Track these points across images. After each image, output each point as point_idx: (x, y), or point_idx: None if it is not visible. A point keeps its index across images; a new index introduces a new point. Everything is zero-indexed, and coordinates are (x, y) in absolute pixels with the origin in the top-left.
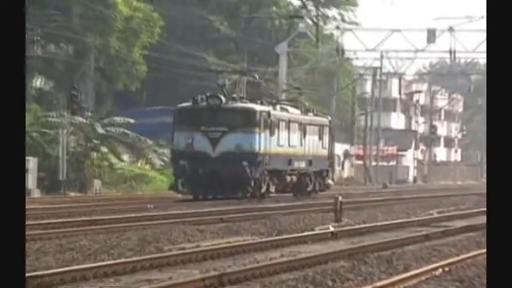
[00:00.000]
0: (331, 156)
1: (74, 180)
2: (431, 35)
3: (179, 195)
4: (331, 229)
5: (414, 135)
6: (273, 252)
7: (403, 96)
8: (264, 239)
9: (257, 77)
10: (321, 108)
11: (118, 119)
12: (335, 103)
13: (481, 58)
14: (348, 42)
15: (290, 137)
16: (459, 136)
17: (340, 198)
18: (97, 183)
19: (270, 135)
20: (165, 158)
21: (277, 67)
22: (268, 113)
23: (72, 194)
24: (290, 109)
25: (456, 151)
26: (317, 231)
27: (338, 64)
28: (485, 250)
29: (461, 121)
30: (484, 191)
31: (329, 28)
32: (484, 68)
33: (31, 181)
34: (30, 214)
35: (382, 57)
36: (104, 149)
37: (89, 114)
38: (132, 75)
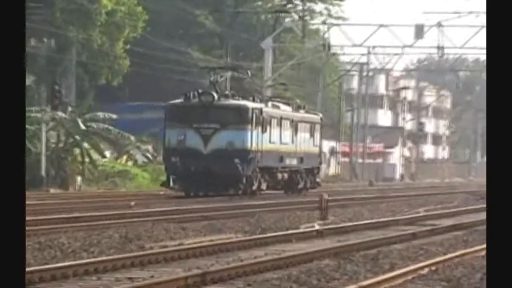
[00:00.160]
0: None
1: (55, 177)
2: (419, 31)
3: (161, 192)
4: (317, 227)
5: (401, 132)
6: (257, 250)
7: (390, 93)
8: (248, 237)
9: (249, 74)
10: (307, 104)
11: (100, 114)
12: (322, 99)
13: (470, 54)
14: (335, 37)
15: (281, 134)
16: (447, 133)
17: (325, 196)
18: (78, 179)
19: (262, 132)
20: (148, 155)
21: (262, 63)
22: (260, 110)
23: (53, 190)
24: (282, 106)
25: (444, 149)
26: (302, 229)
27: (325, 59)
28: (472, 249)
29: (449, 118)
30: (472, 189)
31: (315, 23)
32: (472, 65)
33: None
34: None
35: (369, 52)
36: (86, 145)
37: (71, 109)
38: (114, 70)
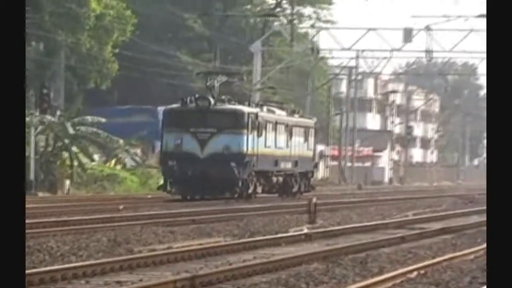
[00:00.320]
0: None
1: (44, 181)
2: (408, 34)
3: (149, 196)
4: (305, 230)
5: (390, 136)
6: (246, 254)
7: (379, 96)
8: (237, 241)
9: (245, 79)
10: (296, 108)
11: (89, 118)
12: (310, 103)
13: (458, 58)
14: (324, 41)
15: (276, 139)
16: (436, 137)
17: (314, 199)
18: (67, 183)
19: (258, 137)
20: (137, 158)
21: (251, 66)
22: (256, 115)
23: (41, 194)
24: (277, 110)
25: (432, 152)
26: (291, 233)
27: (313, 63)
28: (461, 253)
29: (437, 122)
30: (460, 192)
31: (304, 26)
32: (461, 68)
33: None
34: None
35: (357, 56)
36: (74, 149)
37: (60, 113)
38: (103, 74)
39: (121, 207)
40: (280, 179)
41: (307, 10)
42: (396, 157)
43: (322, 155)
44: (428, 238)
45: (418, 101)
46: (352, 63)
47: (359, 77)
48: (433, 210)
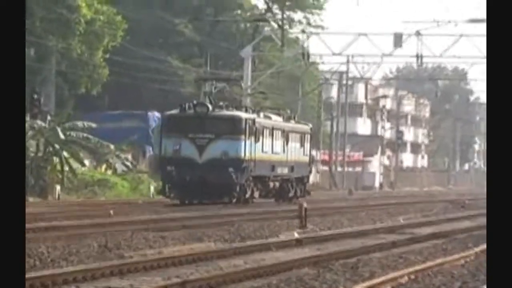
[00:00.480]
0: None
1: (34, 186)
2: (398, 39)
3: (140, 201)
4: (296, 236)
5: (381, 141)
6: (236, 259)
7: (369, 101)
8: (227, 246)
9: (242, 86)
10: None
11: (79, 123)
12: (301, 108)
13: (449, 63)
14: (314, 46)
15: (273, 144)
16: (426, 141)
17: (305, 204)
18: (58, 188)
19: (255, 142)
20: (128, 163)
21: (241, 71)
22: (253, 121)
23: (32, 199)
24: (273, 116)
25: (423, 157)
26: (281, 238)
27: (304, 68)
28: (451, 258)
29: (428, 126)
30: (451, 197)
31: (294, 32)
32: (451, 73)
33: None
34: None
35: (348, 61)
36: (65, 154)
37: (50, 118)
38: (94, 79)
39: (111, 212)
40: (277, 184)
41: (298, 15)
42: (386, 162)
43: (313, 160)
44: (419, 243)
45: (408, 106)
46: (343, 68)
47: (350, 82)
48: (424, 215)
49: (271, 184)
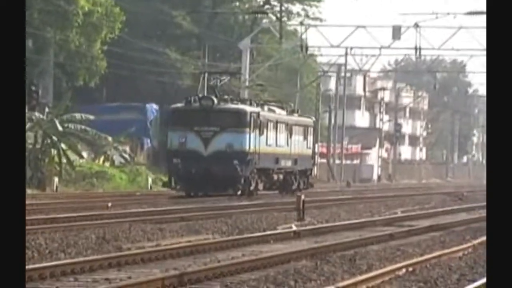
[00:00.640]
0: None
1: (32, 178)
2: (397, 32)
3: (138, 193)
4: (294, 228)
5: (379, 133)
6: (234, 251)
7: (367, 94)
8: (225, 238)
9: (244, 79)
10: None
11: (77, 115)
12: (299, 100)
13: (447, 56)
14: (312, 38)
15: (277, 137)
16: (424, 134)
17: (302, 196)
18: (56, 180)
19: (259, 135)
20: (126, 155)
21: (239, 63)
22: (258, 114)
23: (30, 191)
24: (277, 110)
25: (421, 150)
26: (279, 230)
27: (302, 60)
28: (449, 250)
29: (426, 119)
30: (449, 190)
31: (293, 24)
32: (450, 66)
33: None
34: None
35: (346, 53)
36: (63, 146)
37: (48, 110)
38: (92, 71)
39: (109, 204)
40: (281, 176)
41: (296, 7)
42: (384, 155)
43: None
44: (417, 236)
45: (406, 99)
46: (341, 60)
47: (348, 74)
48: (422, 208)
49: (275, 177)
